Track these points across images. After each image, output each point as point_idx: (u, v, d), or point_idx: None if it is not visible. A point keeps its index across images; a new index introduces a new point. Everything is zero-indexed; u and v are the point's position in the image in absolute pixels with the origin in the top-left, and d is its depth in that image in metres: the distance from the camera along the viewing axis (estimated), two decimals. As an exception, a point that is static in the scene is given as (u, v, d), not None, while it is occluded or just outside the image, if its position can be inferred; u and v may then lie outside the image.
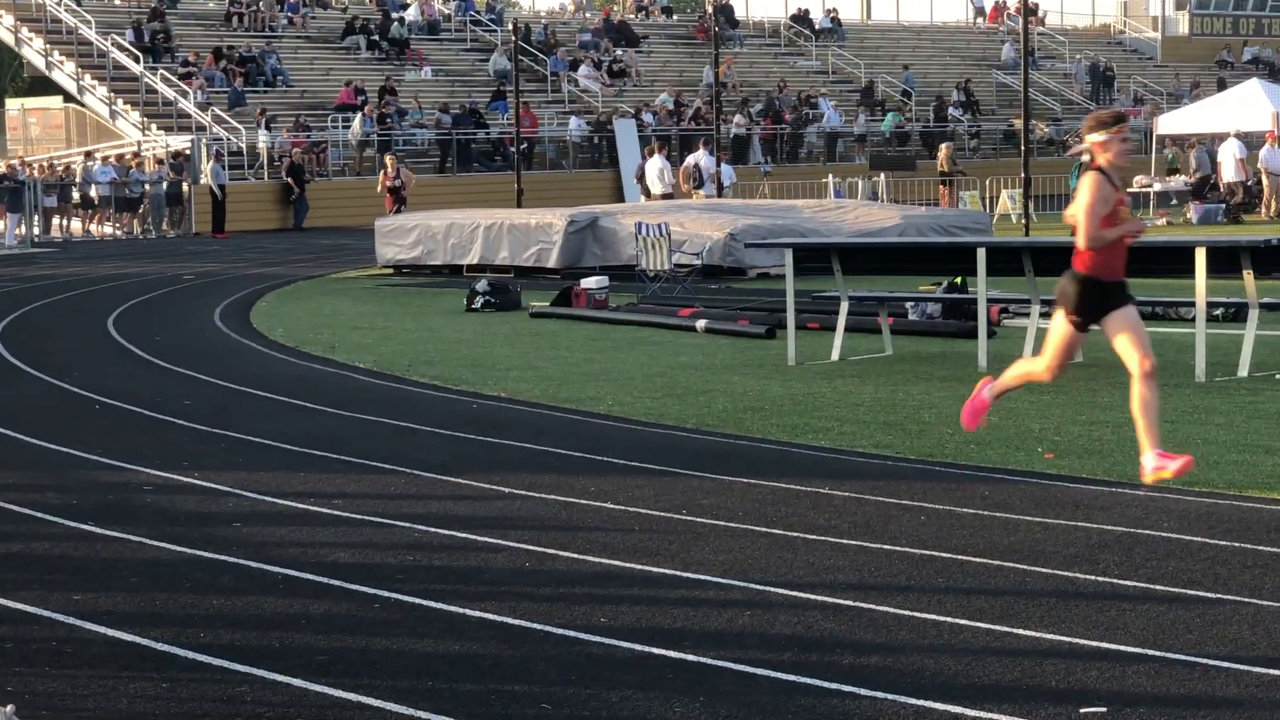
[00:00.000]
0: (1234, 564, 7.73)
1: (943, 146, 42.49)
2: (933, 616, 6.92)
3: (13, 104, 55.57)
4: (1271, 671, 6.14)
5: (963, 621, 6.83)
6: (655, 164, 36.42)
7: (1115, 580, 7.47)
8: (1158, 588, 7.32)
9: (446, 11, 56.30)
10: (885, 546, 8.20)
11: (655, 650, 6.53)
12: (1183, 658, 6.30)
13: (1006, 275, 15.99)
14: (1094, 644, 6.49)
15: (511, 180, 37.53)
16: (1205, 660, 6.27)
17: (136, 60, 46.38)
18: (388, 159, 39.49)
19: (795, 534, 8.53)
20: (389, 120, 46.76)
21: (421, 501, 9.58)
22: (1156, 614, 6.89)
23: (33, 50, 49.17)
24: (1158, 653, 6.36)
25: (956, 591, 7.33)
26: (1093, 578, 7.52)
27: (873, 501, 9.30)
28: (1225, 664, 6.23)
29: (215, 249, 36.62)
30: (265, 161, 43.37)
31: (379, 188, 38.68)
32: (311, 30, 53.34)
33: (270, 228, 42.02)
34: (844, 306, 16.01)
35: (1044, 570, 7.66)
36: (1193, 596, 7.16)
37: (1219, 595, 7.17)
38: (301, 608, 7.24)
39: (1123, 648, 6.44)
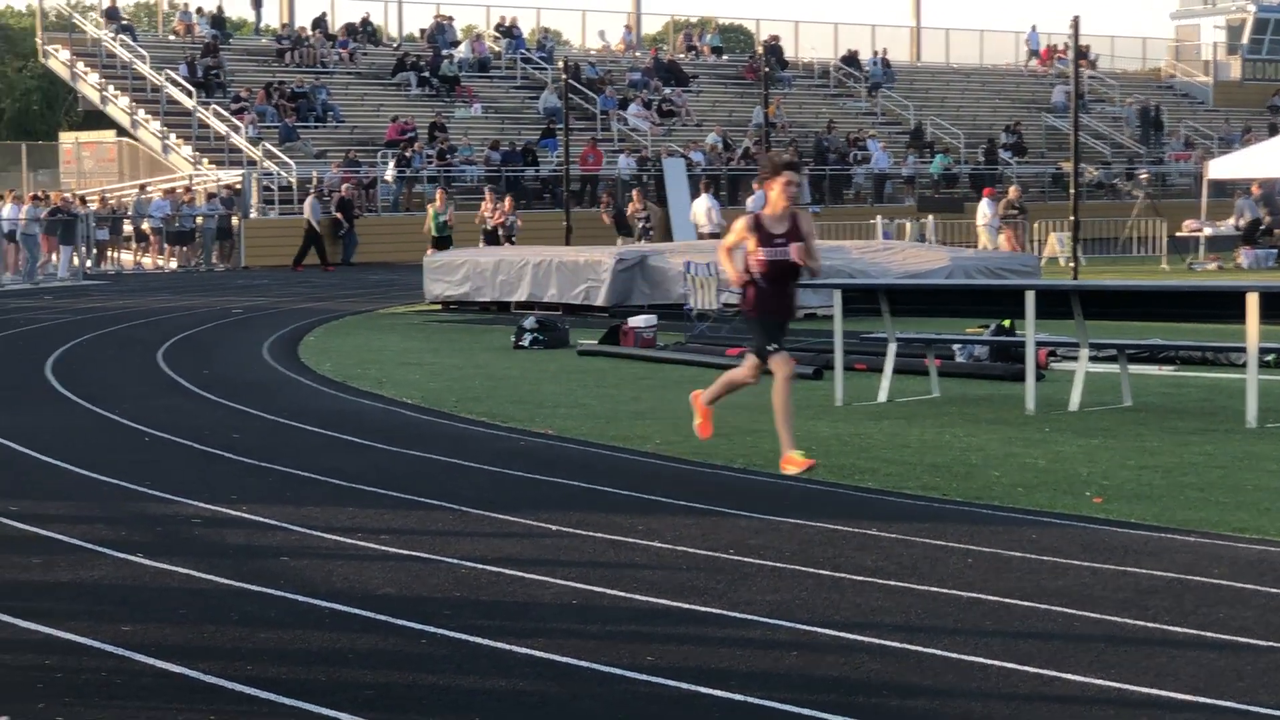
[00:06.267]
0: (1285, 612, 7.68)
1: (1012, 188, 41.81)
2: (980, 660, 6.89)
3: (66, 137, 56.06)
4: (1323, 721, 6.09)
5: (1010, 665, 6.80)
6: (703, 203, 36.45)
7: (1165, 626, 7.42)
8: (1208, 635, 7.26)
9: (497, 49, 56.58)
10: (932, 589, 8.17)
11: (702, 689, 6.51)
12: (1234, 705, 6.24)
13: (1055, 318, 15.96)
14: (1143, 690, 6.44)
15: (560, 217, 37.62)
16: (1257, 709, 6.21)
17: (189, 95, 46.75)
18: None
19: (842, 575, 8.50)
20: (446, 156, 46.97)
21: (468, 538, 9.58)
22: (1207, 661, 6.84)
23: (88, 85, 49.67)
24: (1208, 700, 6.31)
25: (1004, 635, 7.30)
26: (1142, 623, 7.47)
27: (920, 543, 9.27)
28: (1277, 713, 6.18)
29: (263, 283, 36.80)
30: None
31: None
32: (362, 66, 53.70)
33: (318, 262, 42.16)
34: (892, 348, 15.99)
35: (1092, 615, 7.62)
36: (1244, 644, 7.10)
37: (1271, 643, 7.11)
38: (348, 642, 7.25)
39: (1173, 694, 6.39)
